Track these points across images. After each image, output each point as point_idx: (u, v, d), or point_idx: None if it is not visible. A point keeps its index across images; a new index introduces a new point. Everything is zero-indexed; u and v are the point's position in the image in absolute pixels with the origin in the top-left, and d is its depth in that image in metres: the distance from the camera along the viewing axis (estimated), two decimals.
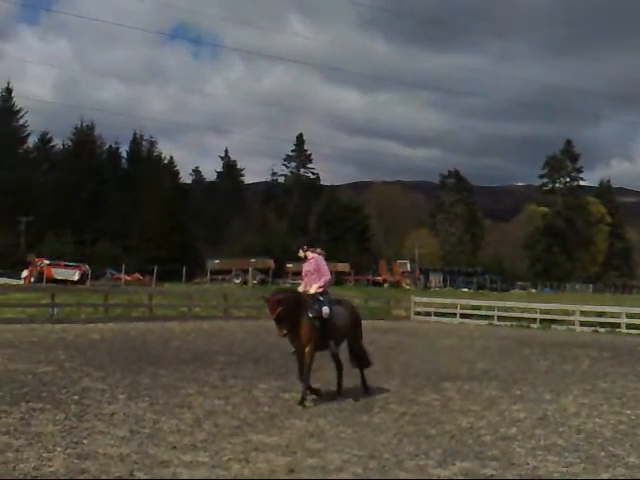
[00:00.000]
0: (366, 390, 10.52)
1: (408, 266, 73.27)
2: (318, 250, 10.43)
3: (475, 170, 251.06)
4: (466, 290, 68.37)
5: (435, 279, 75.39)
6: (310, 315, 9.56)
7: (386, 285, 67.01)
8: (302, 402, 9.35)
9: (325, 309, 9.68)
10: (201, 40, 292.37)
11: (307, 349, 9.57)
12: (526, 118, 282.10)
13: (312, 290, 9.89)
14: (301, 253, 10.32)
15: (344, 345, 10.56)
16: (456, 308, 32.48)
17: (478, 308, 33.14)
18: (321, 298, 9.79)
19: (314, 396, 9.79)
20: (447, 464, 6.74)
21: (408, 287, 65.72)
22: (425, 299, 36.39)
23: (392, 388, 11.21)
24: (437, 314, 32.48)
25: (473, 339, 22.19)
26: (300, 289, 10.15)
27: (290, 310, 9.45)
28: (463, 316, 31.56)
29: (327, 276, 10.07)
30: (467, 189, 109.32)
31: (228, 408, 8.99)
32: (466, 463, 6.79)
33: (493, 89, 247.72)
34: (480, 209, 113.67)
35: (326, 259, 10.36)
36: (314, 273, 10.05)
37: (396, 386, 11.44)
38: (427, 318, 32.04)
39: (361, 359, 10.65)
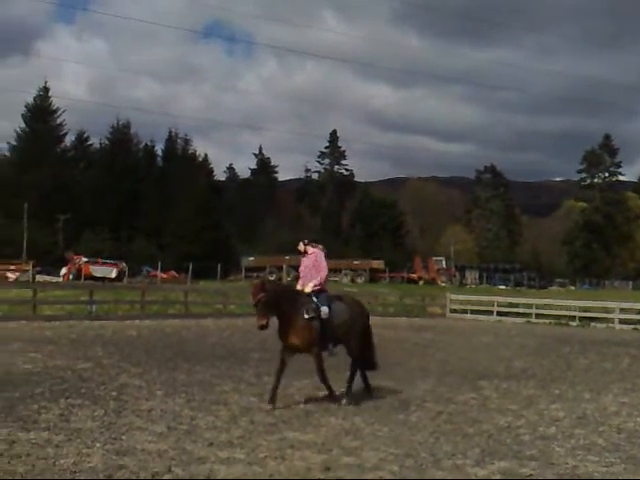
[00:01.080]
0: (347, 392, 9.64)
1: (443, 263, 72.62)
2: (320, 246, 9.90)
3: (512, 165, 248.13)
4: (503, 287, 67.50)
5: (471, 276, 74.53)
6: (306, 316, 9.06)
7: (421, 282, 66.56)
8: (337, 401, 9.23)
9: (324, 309, 9.18)
10: (234, 37, 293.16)
11: (314, 351, 9.19)
12: (564, 112, 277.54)
13: (307, 289, 9.39)
14: (301, 247, 9.79)
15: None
16: (493, 305, 32.15)
17: (515, 305, 32.80)
18: (316, 298, 9.28)
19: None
20: (485, 463, 6.67)
21: (443, 284, 65.17)
22: (461, 296, 36.07)
23: (428, 386, 11.15)
24: (473, 312, 32.19)
25: (510, 337, 21.95)
26: (298, 287, 9.64)
27: (275, 300, 8.92)
28: (500, 314, 31.22)
29: (324, 272, 9.57)
30: (503, 184, 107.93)
31: (263, 405, 9.00)
32: (504, 462, 6.72)
33: (529, 83, 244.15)
34: (517, 205, 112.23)
35: (327, 256, 9.77)
36: (312, 269, 9.57)
37: (432, 384, 11.37)
38: (463, 316, 31.79)
39: (365, 360, 10.00)
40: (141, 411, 8.42)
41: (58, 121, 76.89)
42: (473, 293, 43.99)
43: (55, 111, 76.54)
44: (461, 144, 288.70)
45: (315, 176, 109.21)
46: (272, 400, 8.95)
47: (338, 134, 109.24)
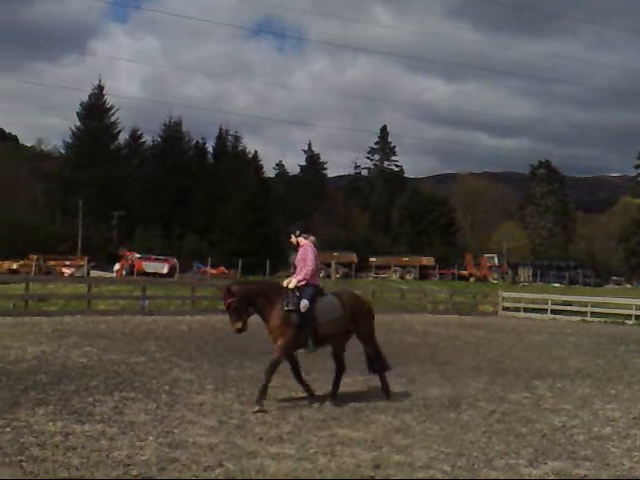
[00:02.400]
0: (387, 396, 9.31)
1: (495, 260, 71.62)
2: (312, 238, 9.35)
3: (567, 160, 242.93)
4: (557, 285, 66.20)
5: (524, 273, 73.31)
6: (285, 308, 8.62)
7: (472, 279, 65.86)
8: (258, 403, 8.39)
9: (304, 302, 8.64)
10: (285, 34, 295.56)
11: (279, 343, 8.64)
12: (622, 106, 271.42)
13: (291, 285, 8.89)
14: (293, 239, 9.34)
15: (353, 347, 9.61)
16: (547, 303, 31.61)
17: (570, 304, 32.16)
18: (299, 292, 8.80)
19: (307, 394, 9.07)
20: (538, 463, 6.57)
21: (495, 281, 64.38)
22: (514, 294, 35.57)
23: (480, 385, 11.00)
24: (526, 309, 31.69)
25: (565, 336, 21.54)
26: (284, 283, 9.08)
27: (247, 301, 8.63)
28: (554, 312, 30.68)
29: (310, 267, 8.92)
30: (558, 180, 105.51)
31: (313, 401, 9.00)
32: (558, 463, 6.61)
33: (586, 76, 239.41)
34: (572, 201, 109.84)
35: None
36: (301, 262, 9.06)
37: (484, 383, 11.21)
38: (516, 314, 31.31)
39: (372, 361, 9.43)
40: (192, 405, 8.51)
41: (112, 119, 78.22)
42: (526, 291, 43.31)
43: (109, 109, 77.86)
44: (514, 139, 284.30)
45: (365, 172, 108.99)
46: (308, 391, 9.03)
47: (388, 129, 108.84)
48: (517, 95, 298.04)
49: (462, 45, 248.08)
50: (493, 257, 72.28)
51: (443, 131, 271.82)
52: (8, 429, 6.94)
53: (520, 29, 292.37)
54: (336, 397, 9.10)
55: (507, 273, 70.17)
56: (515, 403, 9.62)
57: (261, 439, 6.98)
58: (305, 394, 9.19)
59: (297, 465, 6.17)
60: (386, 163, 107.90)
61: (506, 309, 32.12)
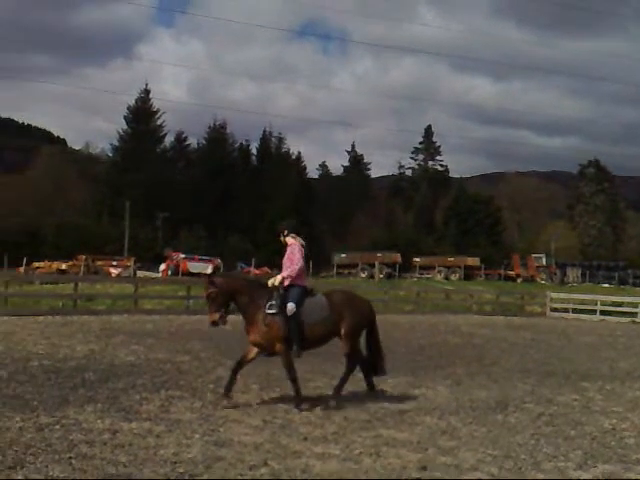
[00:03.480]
0: (333, 396, 8.92)
1: (543, 260, 70.32)
2: (300, 240, 9.03)
3: (617, 159, 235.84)
4: (607, 286, 64.78)
5: (573, 274, 71.81)
6: (268, 311, 8.40)
7: (519, 280, 64.86)
8: (298, 405, 8.47)
9: (290, 305, 8.41)
10: (329, 35, 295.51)
11: (277, 348, 8.48)
12: None
13: (276, 282, 8.64)
14: (281, 239, 9.04)
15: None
16: (596, 304, 30.97)
17: (620, 304, 31.46)
18: (283, 292, 8.57)
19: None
20: (588, 466, 6.47)
21: (543, 282, 63.30)
22: (562, 295, 34.91)
23: (527, 387, 10.82)
24: (575, 310, 31.09)
25: (614, 337, 21.09)
26: (269, 282, 8.80)
27: (227, 295, 8.43)
28: (603, 313, 30.04)
29: (296, 266, 8.65)
30: (608, 179, 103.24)
31: (357, 402, 8.96)
32: (608, 466, 6.50)
33: (636, 74, 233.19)
34: (622, 200, 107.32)
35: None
36: (287, 262, 8.80)
37: (532, 385, 11.03)
38: (564, 315, 30.75)
39: (371, 364, 9.24)
40: (237, 404, 8.54)
41: (158, 122, 79.30)
42: (575, 291, 42.49)
43: (155, 112, 78.97)
44: (562, 138, 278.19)
45: (409, 172, 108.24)
46: (226, 392, 8.58)
47: (433, 129, 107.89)
48: (565, 94, 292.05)
49: (509, 44, 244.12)
50: (541, 257, 71.01)
51: (490, 130, 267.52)
52: (57, 426, 7.07)
53: (568, 27, 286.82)
54: (373, 392, 9.01)
55: (555, 274, 68.89)
56: (564, 405, 9.44)
57: (305, 439, 6.98)
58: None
59: (342, 465, 6.15)
60: (430, 163, 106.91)
61: (554, 310, 31.56)
